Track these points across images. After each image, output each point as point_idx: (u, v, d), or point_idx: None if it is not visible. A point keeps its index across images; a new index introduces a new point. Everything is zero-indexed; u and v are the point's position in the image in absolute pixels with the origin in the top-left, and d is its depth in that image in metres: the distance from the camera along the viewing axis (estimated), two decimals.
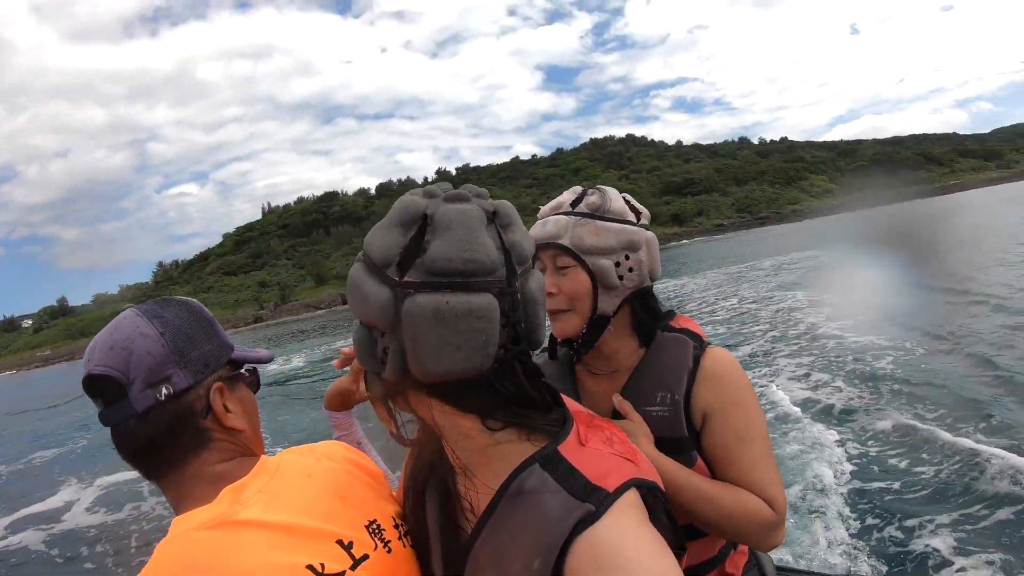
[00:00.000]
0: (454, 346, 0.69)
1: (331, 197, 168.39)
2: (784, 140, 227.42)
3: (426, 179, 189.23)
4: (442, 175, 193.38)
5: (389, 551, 0.85)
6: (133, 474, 1.00)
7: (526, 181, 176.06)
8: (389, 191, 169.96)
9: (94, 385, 0.82)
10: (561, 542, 0.68)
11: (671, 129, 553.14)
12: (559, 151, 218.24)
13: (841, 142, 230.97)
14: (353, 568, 0.79)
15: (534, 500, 0.72)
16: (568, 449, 0.75)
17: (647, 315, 1.28)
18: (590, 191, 1.28)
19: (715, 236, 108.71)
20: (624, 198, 1.30)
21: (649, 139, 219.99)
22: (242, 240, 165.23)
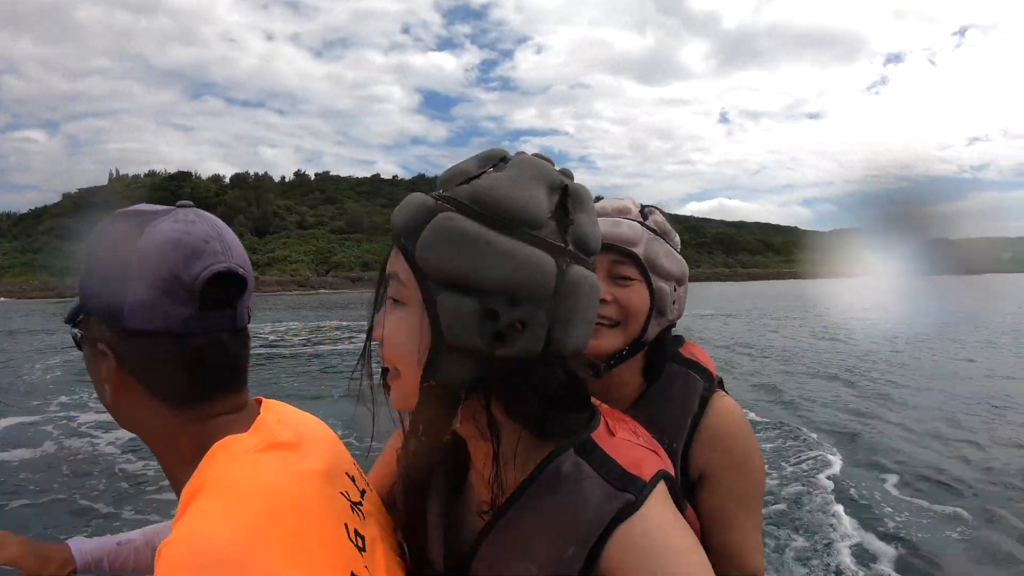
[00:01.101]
0: (589, 322, 0.68)
1: (183, 177, 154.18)
2: None
3: (283, 177, 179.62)
4: (300, 177, 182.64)
5: (364, 495, 0.81)
6: None
7: (383, 200, 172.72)
8: (244, 183, 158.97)
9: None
10: (600, 531, 0.66)
11: None
12: (421, 176, 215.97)
13: (691, 217, 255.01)
14: (359, 503, 0.77)
15: (570, 486, 0.69)
16: (600, 437, 0.72)
17: (664, 352, 1.17)
18: (650, 207, 1.17)
19: None
20: None
21: None
22: (82, 203, 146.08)
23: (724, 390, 1.18)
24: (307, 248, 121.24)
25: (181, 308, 0.67)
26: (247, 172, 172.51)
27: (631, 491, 0.66)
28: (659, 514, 0.67)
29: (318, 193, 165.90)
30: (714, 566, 0.72)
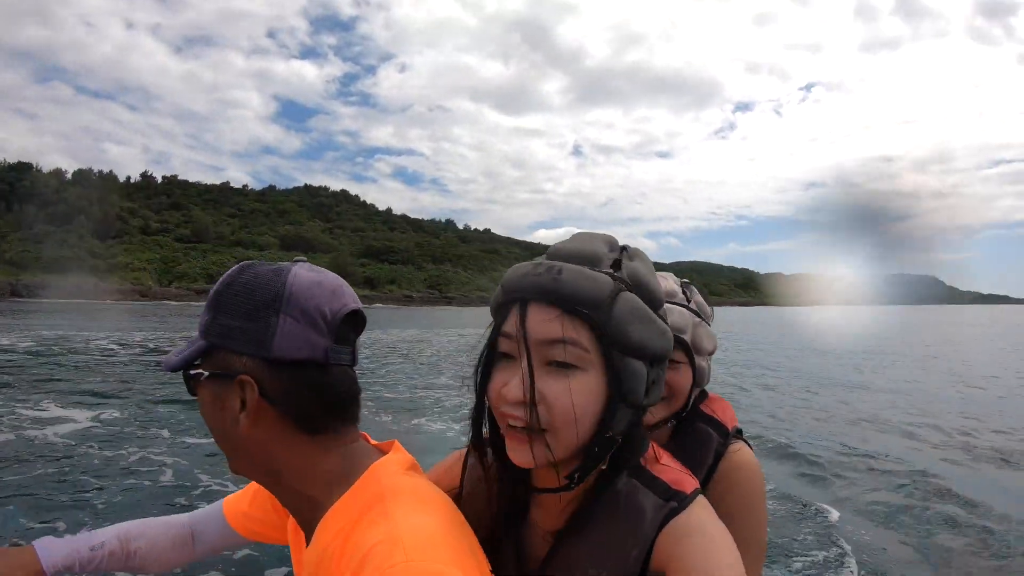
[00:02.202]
0: None
1: (24, 169, 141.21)
2: (487, 231, 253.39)
3: (129, 178, 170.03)
4: (147, 179, 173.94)
5: None
6: None
7: (230, 210, 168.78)
8: (87, 180, 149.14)
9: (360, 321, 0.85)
10: (654, 533, 0.81)
11: (385, 195, 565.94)
12: (271, 188, 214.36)
13: (538, 244, 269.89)
14: None
15: (628, 500, 0.84)
16: (647, 461, 0.88)
17: (690, 412, 1.31)
18: (689, 286, 1.34)
19: (402, 306, 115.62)
20: None
21: (362, 199, 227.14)
22: None
23: (744, 439, 1.29)
24: (150, 256, 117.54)
25: (322, 339, 0.78)
26: (91, 169, 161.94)
27: (676, 500, 0.82)
28: (699, 513, 0.82)
29: (164, 197, 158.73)
30: None
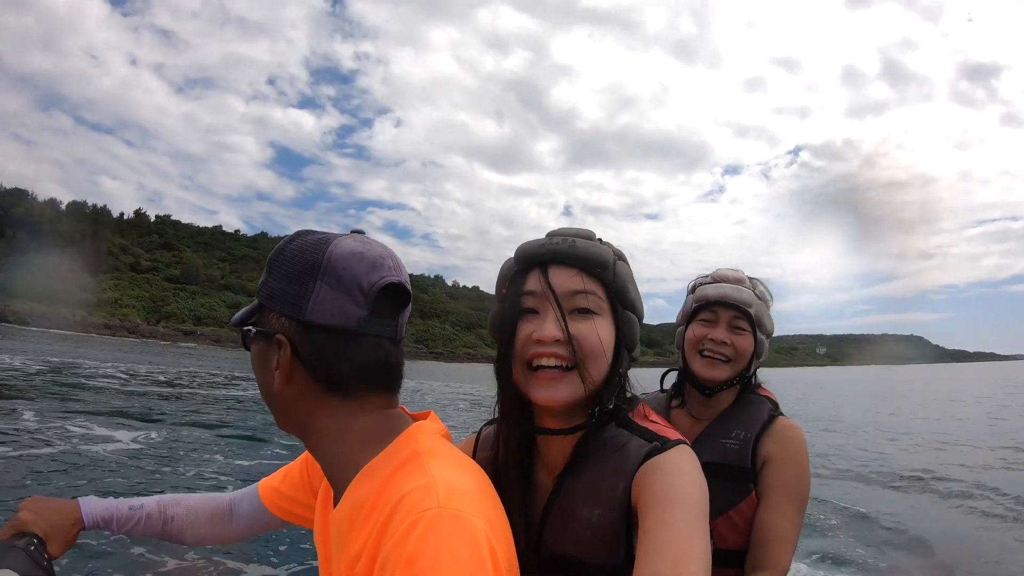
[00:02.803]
0: None
1: (19, 195, 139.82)
2: (475, 289, 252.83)
3: (122, 214, 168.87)
4: (140, 216, 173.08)
5: None
6: None
7: (221, 254, 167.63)
8: (81, 212, 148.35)
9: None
10: (636, 467, 0.93)
11: None
12: (263, 234, 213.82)
13: None
14: None
15: (615, 443, 0.98)
16: (636, 416, 1.02)
17: (751, 383, 1.62)
18: (757, 281, 1.64)
19: None
20: None
21: None
22: None
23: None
24: (139, 293, 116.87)
25: (356, 309, 0.81)
26: (85, 201, 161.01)
27: (658, 442, 0.94)
28: (677, 456, 0.92)
29: (156, 236, 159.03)
30: (750, 545, 1.22)
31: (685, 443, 0.95)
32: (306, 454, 1.12)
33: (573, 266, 0.97)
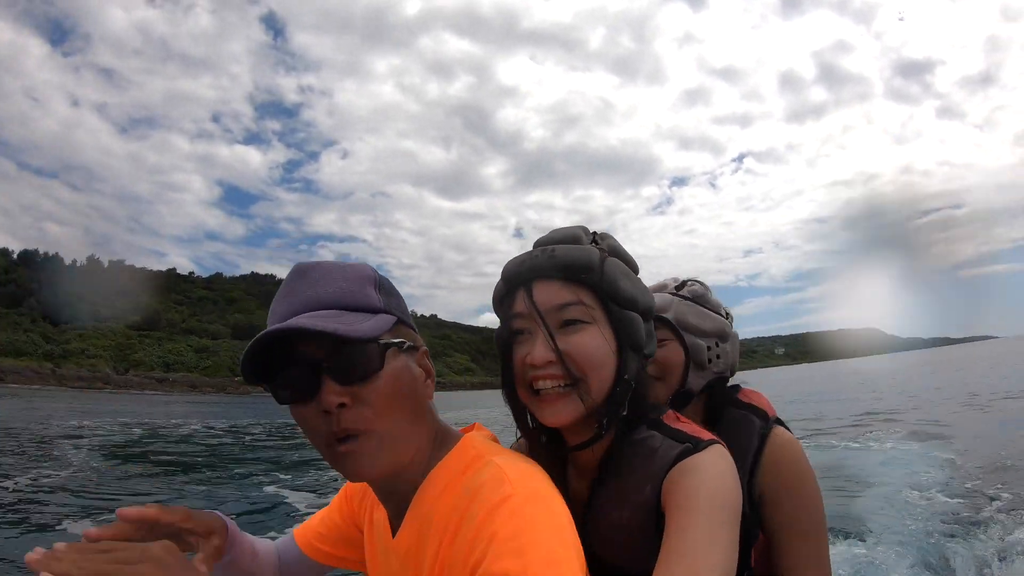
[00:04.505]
0: None
1: None
2: (434, 317, 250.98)
3: (75, 261, 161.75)
4: (92, 263, 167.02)
5: None
6: None
7: (178, 297, 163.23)
8: (33, 261, 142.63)
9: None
10: (667, 468, 0.90)
11: None
12: (218, 275, 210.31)
13: (485, 328, 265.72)
14: None
15: (646, 444, 0.95)
16: (668, 419, 1.00)
17: (721, 401, 1.37)
18: (691, 281, 1.42)
19: None
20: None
21: None
22: None
23: (785, 426, 1.31)
24: (104, 343, 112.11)
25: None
26: (36, 250, 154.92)
27: (691, 443, 0.91)
28: (709, 456, 0.89)
29: (110, 282, 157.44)
30: None
31: (719, 443, 0.93)
32: (342, 490, 1.15)
33: (555, 278, 0.95)
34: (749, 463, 1.24)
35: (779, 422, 1.32)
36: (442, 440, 0.89)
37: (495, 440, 0.93)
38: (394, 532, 0.89)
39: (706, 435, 0.94)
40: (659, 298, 1.31)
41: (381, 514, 0.95)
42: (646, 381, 1.01)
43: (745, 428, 1.29)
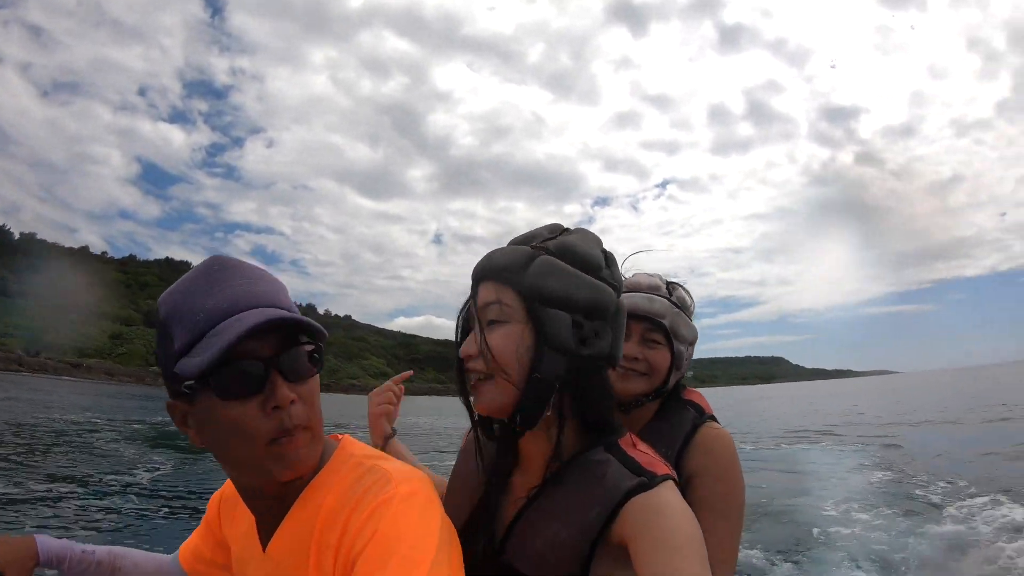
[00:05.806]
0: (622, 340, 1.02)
1: None
2: (348, 318, 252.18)
3: None
4: (4, 233, 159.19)
5: None
6: None
7: (90, 278, 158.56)
8: None
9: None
10: (619, 498, 0.89)
11: None
12: (132, 257, 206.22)
13: (400, 333, 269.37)
14: None
15: (598, 467, 0.94)
16: (624, 443, 0.98)
17: (675, 396, 1.51)
18: (676, 285, 1.52)
19: None
20: None
21: None
22: None
23: (717, 423, 1.42)
24: (15, 321, 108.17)
25: None
26: None
27: (645, 477, 0.90)
28: (668, 495, 0.89)
29: (21, 256, 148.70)
30: None
31: (672, 478, 0.94)
32: (210, 505, 1.13)
33: (490, 279, 1.00)
34: (679, 444, 1.38)
35: (713, 419, 1.45)
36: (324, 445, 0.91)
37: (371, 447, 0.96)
38: (264, 542, 0.89)
39: (660, 468, 0.95)
40: (659, 303, 1.46)
41: (245, 526, 0.96)
42: (603, 390, 1.01)
43: (683, 419, 1.44)
